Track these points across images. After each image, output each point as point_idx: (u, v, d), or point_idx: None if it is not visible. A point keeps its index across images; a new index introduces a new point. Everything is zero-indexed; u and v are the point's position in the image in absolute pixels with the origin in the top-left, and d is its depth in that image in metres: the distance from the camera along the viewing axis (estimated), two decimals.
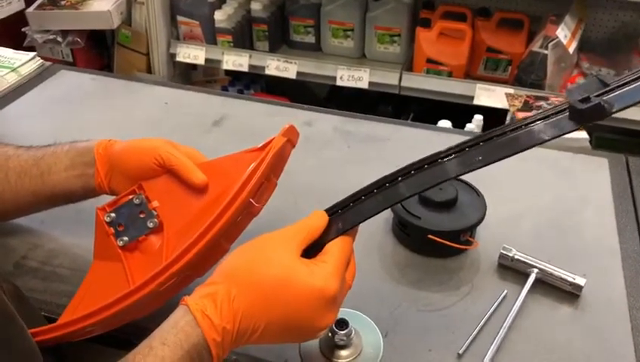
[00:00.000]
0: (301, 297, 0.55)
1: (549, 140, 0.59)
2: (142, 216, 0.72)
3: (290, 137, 0.70)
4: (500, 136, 0.61)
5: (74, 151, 0.77)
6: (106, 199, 0.77)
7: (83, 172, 0.76)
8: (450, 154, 0.61)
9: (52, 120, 1.16)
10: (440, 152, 0.61)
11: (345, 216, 0.62)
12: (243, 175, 0.64)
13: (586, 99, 0.58)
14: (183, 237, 0.68)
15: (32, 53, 1.33)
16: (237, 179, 0.64)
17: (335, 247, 0.59)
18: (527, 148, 0.60)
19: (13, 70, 1.27)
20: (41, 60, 1.33)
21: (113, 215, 0.73)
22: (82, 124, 1.14)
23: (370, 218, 0.62)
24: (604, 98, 0.58)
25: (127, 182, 0.75)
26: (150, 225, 0.72)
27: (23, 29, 2.23)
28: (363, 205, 0.63)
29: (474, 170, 0.61)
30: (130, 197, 0.74)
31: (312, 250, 0.60)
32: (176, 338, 0.52)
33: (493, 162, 0.61)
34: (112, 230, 0.73)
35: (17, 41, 2.19)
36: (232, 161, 0.73)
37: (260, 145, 0.71)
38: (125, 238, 0.72)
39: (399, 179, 0.62)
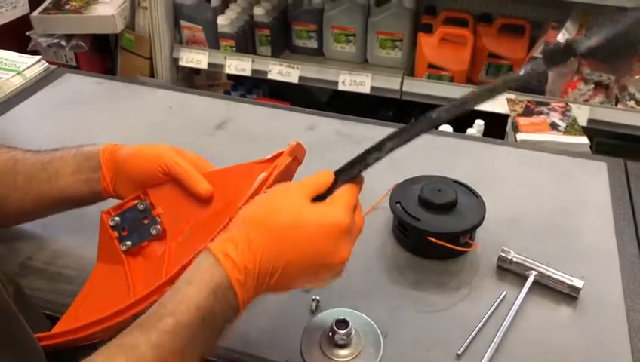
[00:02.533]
0: (315, 235, 0.57)
1: (525, 78, 0.65)
2: (146, 222, 0.73)
3: (297, 155, 0.70)
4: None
5: (80, 155, 0.77)
6: (112, 202, 0.78)
7: (89, 176, 0.76)
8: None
9: (57, 123, 1.17)
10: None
11: (348, 172, 0.65)
12: (248, 190, 0.65)
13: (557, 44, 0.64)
14: (186, 246, 0.69)
15: (38, 57, 1.34)
16: (243, 191, 0.65)
17: (342, 190, 0.62)
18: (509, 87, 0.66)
19: (19, 73, 1.28)
20: (47, 64, 1.34)
21: (117, 219, 0.74)
22: (87, 127, 1.15)
23: (368, 167, 0.66)
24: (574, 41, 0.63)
25: (133, 188, 0.75)
26: (153, 231, 0.72)
27: (27, 33, 2.25)
28: (363, 160, 0.66)
29: (459, 114, 0.69)
30: (135, 202, 0.74)
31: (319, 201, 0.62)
32: (201, 278, 0.53)
33: (479, 103, 0.67)
34: (115, 234, 0.73)
35: (22, 45, 2.21)
36: (239, 171, 0.73)
37: (268, 156, 0.71)
38: (128, 243, 0.73)
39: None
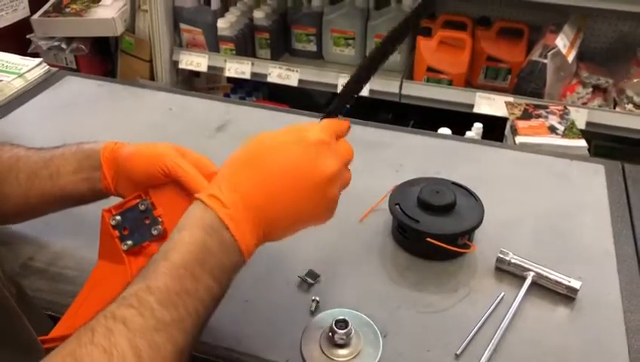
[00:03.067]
0: (290, 154, 0.59)
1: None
2: (147, 222, 0.73)
3: None
4: None
5: (81, 153, 0.77)
6: (114, 200, 0.78)
7: (90, 175, 0.76)
8: None
9: (58, 125, 1.18)
10: None
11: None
12: None
13: None
14: None
15: (39, 60, 1.35)
16: None
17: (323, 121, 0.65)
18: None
19: (20, 76, 1.29)
20: (48, 66, 1.35)
21: (119, 218, 0.73)
22: (88, 129, 1.16)
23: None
24: None
25: (133, 187, 0.75)
26: (155, 232, 0.72)
27: (27, 36, 2.26)
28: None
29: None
30: (136, 202, 0.74)
31: None
32: (191, 222, 0.55)
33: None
34: (117, 233, 0.73)
35: (22, 48, 2.22)
36: None
37: None
38: (130, 242, 0.72)
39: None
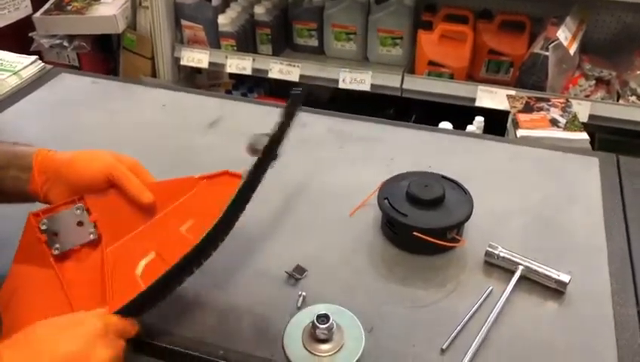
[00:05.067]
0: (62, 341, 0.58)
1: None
2: (80, 226, 0.73)
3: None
4: None
5: (11, 152, 0.76)
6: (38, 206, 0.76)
7: (17, 174, 0.75)
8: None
9: (51, 122, 1.18)
10: None
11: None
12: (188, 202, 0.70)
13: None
14: (123, 253, 0.71)
15: (34, 57, 1.35)
16: (183, 203, 0.71)
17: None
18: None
19: (15, 73, 1.29)
20: (43, 64, 1.36)
21: (47, 222, 0.72)
22: (81, 126, 1.16)
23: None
24: None
25: (68, 194, 0.75)
26: (91, 236, 0.73)
27: (30, 34, 2.27)
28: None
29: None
30: (70, 206, 0.73)
31: None
32: None
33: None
34: (44, 237, 0.72)
35: (24, 46, 2.23)
36: (181, 184, 0.75)
37: (210, 173, 0.75)
38: (58, 246, 0.72)
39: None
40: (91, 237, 0.73)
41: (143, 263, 0.69)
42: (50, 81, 1.31)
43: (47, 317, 0.60)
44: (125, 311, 0.64)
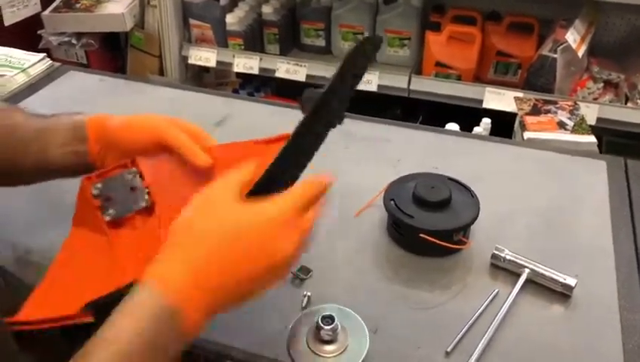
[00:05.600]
0: (248, 237, 0.54)
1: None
2: (133, 192, 0.68)
3: None
4: None
5: (70, 125, 0.75)
6: None
7: (77, 148, 0.73)
8: None
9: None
10: None
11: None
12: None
13: None
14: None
15: (42, 55, 1.36)
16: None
17: (294, 187, 0.59)
18: None
19: (23, 71, 1.30)
20: (51, 61, 1.36)
21: (100, 186, 0.69)
22: None
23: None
24: None
25: (122, 159, 0.72)
26: (142, 203, 0.68)
27: (38, 32, 2.28)
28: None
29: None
30: (122, 170, 0.69)
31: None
32: (140, 306, 0.50)
33: None
34: (97, 202, 0.68)
35: (33, 43, 2.24)
36: (242, 148, 0.70)
37: (274, 136, 0.69)
38: (112, 212, 0.68)
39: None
40: (143, 204, 0.68)
41: None
42: (58, 78, 1.32)
43: (97, 281, 0.58)
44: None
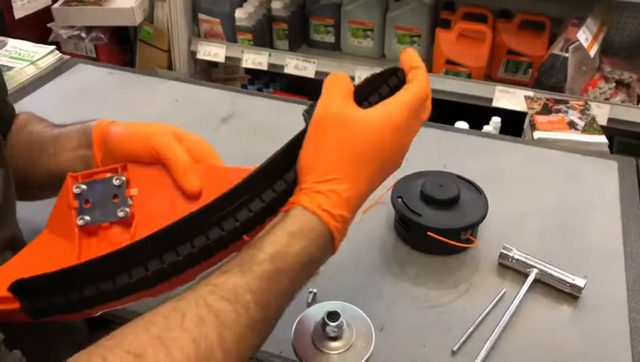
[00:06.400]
0: (379, 148, 0.57)
1: None
2: (115, 200, 0.64)
3: None
4: None
5: (81, 131, 0.73)
6: None
7: (85, 153, 0.71)
8: None
9: (66, 112, 1.15)
10: None
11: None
12: None
13: None
14: None
15: (52, 47, 1.36)
16: None
17: (405, 89, 0.60)
18: None
19: (32, 63, 1.30)
20: (60, 54, 1.36)
21: (84, 187, 0.64)
22: (95, 117, 1.15)
23: None
24: None
25: None
26: (121, 214, 0.63)
27: (48, 25, 2.28)
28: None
29: None
30: (110, 175, 0.65)
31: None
32: (305, 233, 0.53)
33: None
34: (76, 203, 0.64)
35: (43, 37, 2.24)
36: (239, 174, 0.63)
37: None
38: (87, 218, 0.63)
39: None
40: (122, 214, 0.64)
41: None
42: (67, 71, 1.32)
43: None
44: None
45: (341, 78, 0.61)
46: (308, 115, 0.59)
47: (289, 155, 0.58)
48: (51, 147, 0.73)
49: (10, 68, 1.27)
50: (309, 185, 0.55)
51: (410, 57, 0.63)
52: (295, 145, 0.58)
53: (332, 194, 0.54)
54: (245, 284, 0.49)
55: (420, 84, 0.60)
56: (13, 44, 1.38)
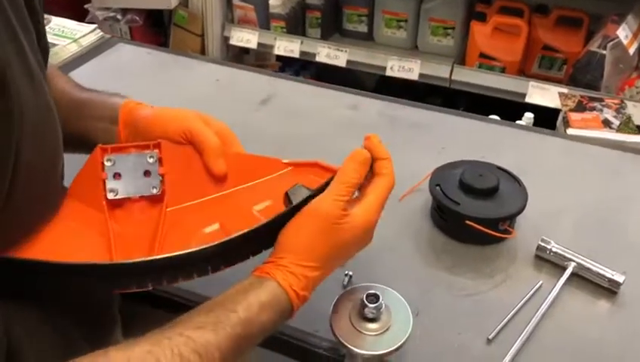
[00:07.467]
0: (355, 242, 0.64)
1: None
2: (146, 176, 0.66)
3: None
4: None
5: (107, 103, 0.75)
6: None
7: (108, 127, 0.73)
8: None
9: (106, 90, 1.20)
10: None
11: None
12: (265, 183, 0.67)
13: None
14: (181, 219, 0.65)
15: (94, 25, 1.38)
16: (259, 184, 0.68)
17: (373, 189, 0.66)
18: None
19: (75, 41, 1.32)
20: (102, 33, 1.38)
21: (115, 159, 0.65)
22: (134, 96, 1.17)
23: None
24: None
25: None
26: (154, 190, 0.65)
27: (85, 6, 2.30)
28: None
29: None
30: (145, 151, 0.66)
31: None
32: (274, 308, 0.59)
33: None
34: (105, 174, 0.64)
35: (80, 17, 2.25)
36: (263, 163, 0.70)
37: (299, 161, 0.70)
38: (117, 189, 0.64)
39: None
40: (155, 191, 0.65)
41: (204, 231, 0.65)
42: (107, 50, 1.34)
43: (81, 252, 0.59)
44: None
45: (350, 176, 0.64)
46: (292, 196, 0.63)
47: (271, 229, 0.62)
48: (75, 110, 0.74)
49: (54, 45, 1.29)
50: (286, 262, 0.60)
51: (377, 146, 0.67)
52: (278, 222, 0.62)
53: (303, 279, 0.60)
54: (216, 343, 0.54)
55: (390, 178, 0.67)
56: (57, 21, 1.41)
